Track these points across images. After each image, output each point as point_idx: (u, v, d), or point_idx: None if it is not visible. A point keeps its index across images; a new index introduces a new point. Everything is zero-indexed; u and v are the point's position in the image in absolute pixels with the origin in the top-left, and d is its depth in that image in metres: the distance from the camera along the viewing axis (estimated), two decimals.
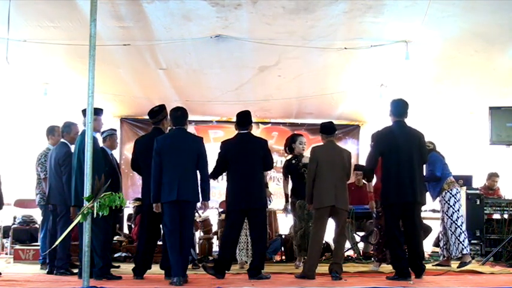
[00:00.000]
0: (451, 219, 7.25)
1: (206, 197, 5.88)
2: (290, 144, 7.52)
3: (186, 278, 5.62)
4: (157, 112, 6.39)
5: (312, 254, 6.22)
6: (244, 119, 6.38)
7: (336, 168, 6.24)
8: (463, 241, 7.18)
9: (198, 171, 5.87)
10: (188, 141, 5.89)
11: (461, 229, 7.22)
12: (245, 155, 6.24)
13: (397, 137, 6.04)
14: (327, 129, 6.47)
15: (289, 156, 7.70)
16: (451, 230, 7.25)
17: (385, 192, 6.08)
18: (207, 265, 6.34)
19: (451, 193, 7.27)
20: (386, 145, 6.05)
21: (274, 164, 8.44)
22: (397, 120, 6.14)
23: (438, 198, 7.36)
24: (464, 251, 7.15)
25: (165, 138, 5.96)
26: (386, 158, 6.04)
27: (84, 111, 5.97)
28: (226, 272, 6.23)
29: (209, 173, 6.14)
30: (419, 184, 6.04)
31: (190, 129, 10.83)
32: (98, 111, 6.07)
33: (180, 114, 5.99)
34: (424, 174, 7.12)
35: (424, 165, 6.91)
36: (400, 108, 6.16)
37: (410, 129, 6.15)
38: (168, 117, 6.20)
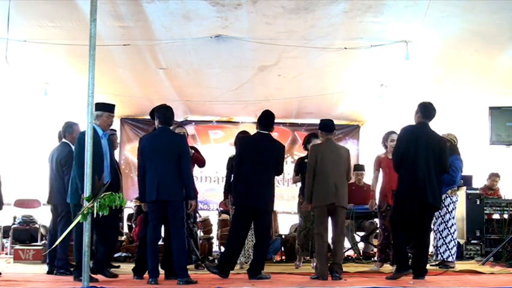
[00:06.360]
0: (446, 224, 7.30)
1: (190, 195, 5.85)
2: (305, 143, 7.53)
3: (188, 279, 5.62)
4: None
5: (319, 253, 6.19)
6: (268, 120, 6.38)
7: (336, 166, 6.23)
8: (451, 249, 7.23)
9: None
10: (169, 140, 5.86)
11: (452, 236, 7.28)
12: (260, 155, 6.21)
13: (418, 137, 6.00)
14: (327, 127, 6.45)
15: (303, 155, 7.74)
16: (441, 234, 7.30)
17: (399, 189, 6.11)
18: (210, 264, 6.31)
19: (451, 199, 7.33)
20: (407, 142, 6.03)
21: None
22: (423, 121, 6.12)
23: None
24: (450, 259, 7.20)
25: (147, 139, 6.00)
26: (405, 156, 6.02)
27: (97, 105, 5.93)
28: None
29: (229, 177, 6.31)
30: (436, 188, 6.01)
31: (190, 129, 10.89)
32: (111, 107, 6.07)
33: (171, 114, 6.01)
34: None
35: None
36: (430, 110, 6.13)
37: (433, 132, 6.13)
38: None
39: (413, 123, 6.24)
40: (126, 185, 10.46)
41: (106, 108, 5.98)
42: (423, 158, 5.95)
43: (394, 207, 6.24)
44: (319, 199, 6.22)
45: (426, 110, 6.15)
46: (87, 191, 4.99)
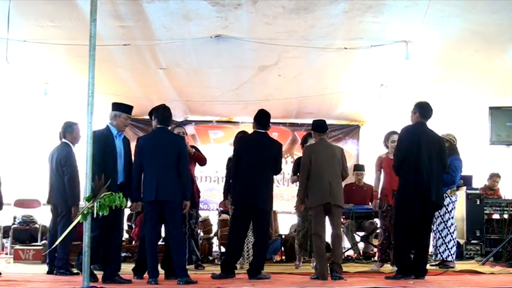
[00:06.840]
0: (445, 224, 7.34)
1: (186, 196, 5.85)
2: (303, 143, 7.53)
3: (188, 279, 5.61)
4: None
5: (318, 253, 6.19)
6: (264, 119, 6.38)
7: (330, 166, 6.23)
8: (451, 248, 7.27)
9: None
10: (168, 140, 5.86)
11: (452, 236, 7.32)
12: (258, 154, 6.21)
13: (420, 137, 6.02)
14: (320, 127, 6.45)
15: (301, 154, 7.76)
16: (440, 234, 7.33)
17: (401, 189, 6.10)
18: (216, 274, 6.23)
19: (450, 199, 7.35)
20: (409, 143, 6.04)
21: None
22: (421, 121, 6.13)
23: None
24: (449, 258, 7.24)
25: (146, 139, 6.00)
26: (407, 156, 6.02)
27: (115, 105, 5.95)
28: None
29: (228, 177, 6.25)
30: (439, 186, 6.04)
31: (190, 129, 10.90)
32: (130, 109, 6.02)
33: (169, 114, 6.01)
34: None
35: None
36: (427, 110, 6.16)
37: (432, 132, 6.15)
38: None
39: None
40: None
41: (125, 110, 5.95)
42: (426, 157, 5.96)
43: (396, 209, 6.21)
44: (314, 199, 6.22)
45: (424, 110, 6.16)
46: (87, 191, 4.99)
